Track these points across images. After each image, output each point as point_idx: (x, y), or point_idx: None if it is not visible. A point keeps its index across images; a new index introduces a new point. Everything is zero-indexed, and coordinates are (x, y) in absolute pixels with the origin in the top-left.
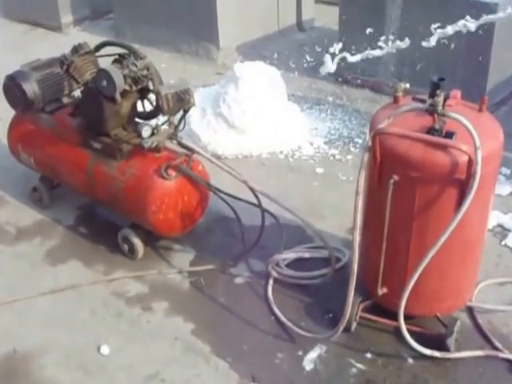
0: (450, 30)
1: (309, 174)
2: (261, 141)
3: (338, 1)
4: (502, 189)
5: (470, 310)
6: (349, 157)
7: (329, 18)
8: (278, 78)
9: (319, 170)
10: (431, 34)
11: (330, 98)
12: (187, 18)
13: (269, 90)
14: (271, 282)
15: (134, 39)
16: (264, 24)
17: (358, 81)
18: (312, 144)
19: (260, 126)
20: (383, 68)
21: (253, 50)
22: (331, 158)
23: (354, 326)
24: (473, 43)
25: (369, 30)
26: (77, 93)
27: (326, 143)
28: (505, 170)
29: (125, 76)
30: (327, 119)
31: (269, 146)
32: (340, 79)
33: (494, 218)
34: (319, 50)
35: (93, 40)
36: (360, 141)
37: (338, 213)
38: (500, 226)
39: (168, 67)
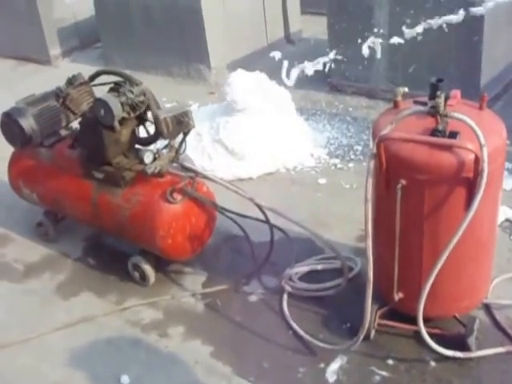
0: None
1: (312, 185)
2: (261, 165)
3: (324, 11)
4: (507, 183)
5: (487, 307)
6: (350, 165)
7: (316, 28)
8: (283, 92)
9: (322, 181)
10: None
11: (326, 108)
12: (176, 40)
13: (273, 108)
14: (286, 296)
15: (124, 66)
16: (253, 39)
17: (352, 88)
18: (312, 155)
19: (261, 151)
20: (376, 73)
21: (244, 67)
22: (333, 168)
23: (372, 333)
24: (463, 41)
25: (359, 36)
26: (74, 124)
27: (326, 153)
28: (507, 165)
29: (122, 103)
30: (325, 129)
31: (270, 168)
32: (334, 88)
33: (502, 213)
34: (310, 61)
35: (83, 70)
36: (360, 148)
37: (345, 222)
38: (508, 220)
39: (161, 91)
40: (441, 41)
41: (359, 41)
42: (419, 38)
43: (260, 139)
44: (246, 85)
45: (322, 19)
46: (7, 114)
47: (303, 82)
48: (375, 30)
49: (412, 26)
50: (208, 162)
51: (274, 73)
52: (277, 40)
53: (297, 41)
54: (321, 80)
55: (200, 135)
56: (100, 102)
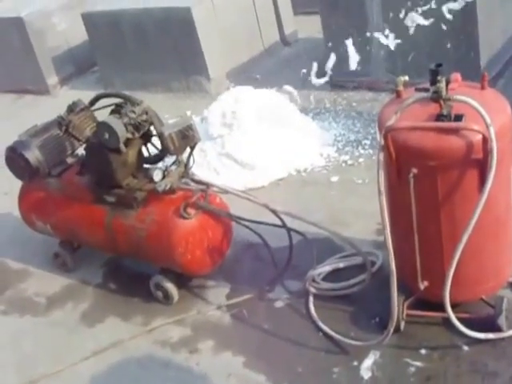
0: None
1: (324, 184)
2: (273, 172)
3: (317, 9)
4: None
5: None
6: (360, 160)
7: (310, 27)
8: (280, 99)
9: (334, 179)
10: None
11: (330, 106)
12: (172, 55)
13: (274, 118)
14: (311, 298)
15: (123, 87)
16: (249, 46)
17: (354, 83)
18: (322, 154)
19: (271, 158)
20: (375, 66)
21: (243, 74)
22: (343, 165)
23: (402, 325)
24: (458, 25)
25: (354, 30)
26: (80, 151)
27: (335, 151)
28: None
29: (125, 125)
30: (331, 127)
31: (281, 174)
32: (335, 85)
33: None
34: (308, 60)
35: (83, 96)
36: (368, 142)
37: (361, 217)
38: None
39: (163, 108)
40: (437, 26)
41: (355, 35)
42: (414, 27)
43: (267, 147)
44: (224, 112)
45: (316, 18)
46: (11, 149)
47: (304, 82)
48: (369, 22)
49: (405, 13)
50: (215, 177)
51: (272, 77)
52: (273, 43)
53: (293, 42)
54: (322, 78)
55: (204, 151)
56: (103, 126)
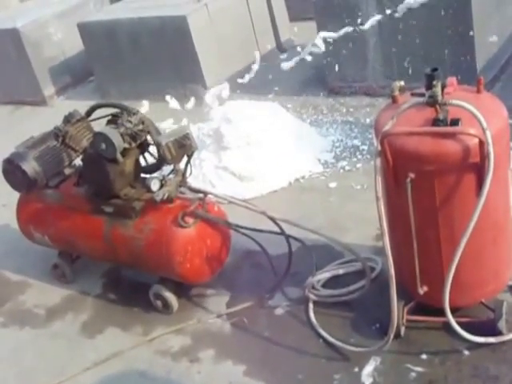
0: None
1: (323, 190)
2: (272, 182)
3: (312, 15)
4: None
5: None
6: (358, 165)
7: (306, 33)
8: (273, 106)
9: (332, 185)
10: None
11: (327, 112)
12: (168, 64)
13: (271, 127)
14: (311, 305)
15: (120, 96)
16: (245, 54)
17: (351, 89)
18: (320, 161)
19: (269, 169)
20: (372, 71)
21: (240, 82)
22: (341, 171)
23: (402, 330)
24: (453, 28)
25: (349, 35)
26: (77, 162)
27: (332, 157)
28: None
29: (122, 134)
30: (329, 133)
31: (282, 183)
32: (332, 91)
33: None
34: (305, 66)
35: (79, 106)
36: (366, 147)
37: (360, 222)
38: None
39: (160, 117)
40: (432, 30)
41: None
42: (410, 27)
43: (265, 157)
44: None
45: (311, 23)
46: (8, 160)
47: (302, 88)
48: (364, 26)
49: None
50: (211, 190)
51: (270, 83)
52: (269, 51)
53: (289, 48)
54: (318, 84)
55: (200, 162)
56: (100, 136)
